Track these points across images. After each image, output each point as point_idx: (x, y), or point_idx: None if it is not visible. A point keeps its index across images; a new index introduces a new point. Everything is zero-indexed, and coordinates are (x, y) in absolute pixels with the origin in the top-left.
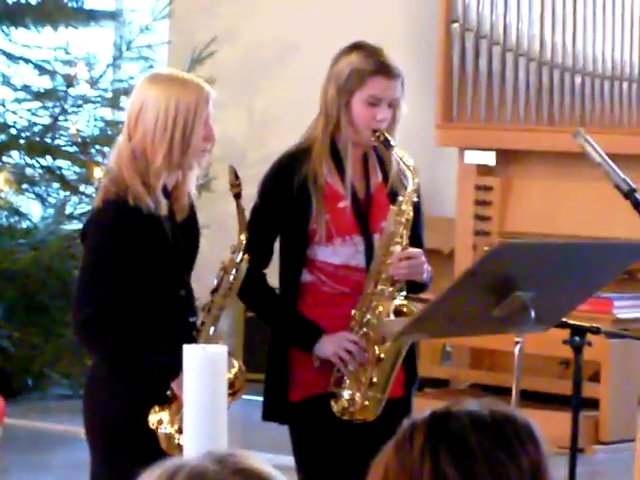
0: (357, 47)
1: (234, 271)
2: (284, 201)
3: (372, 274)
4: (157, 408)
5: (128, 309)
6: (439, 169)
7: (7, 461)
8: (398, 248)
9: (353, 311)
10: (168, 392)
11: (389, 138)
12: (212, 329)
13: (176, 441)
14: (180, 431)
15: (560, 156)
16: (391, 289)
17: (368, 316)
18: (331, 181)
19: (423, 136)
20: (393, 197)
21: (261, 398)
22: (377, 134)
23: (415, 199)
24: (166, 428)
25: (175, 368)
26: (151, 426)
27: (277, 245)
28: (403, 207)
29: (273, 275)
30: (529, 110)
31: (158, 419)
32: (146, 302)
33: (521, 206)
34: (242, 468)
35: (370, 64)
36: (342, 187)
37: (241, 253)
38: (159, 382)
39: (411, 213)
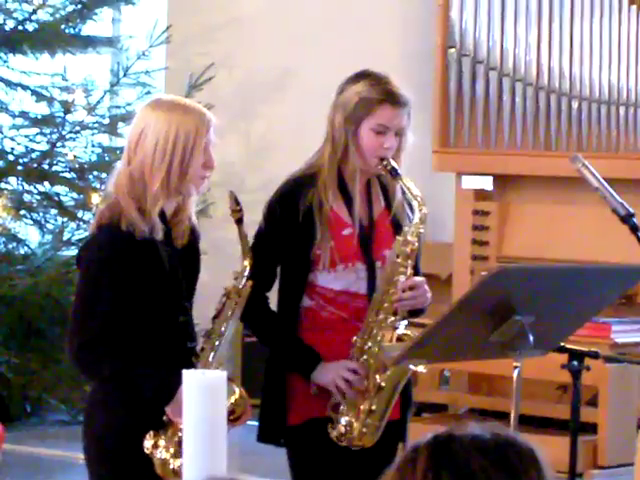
0: (364, 75)
1: (236, 297)
2: (289, 227)
3: (375, 303)
4: (152, 433)
5: (124, 334)
6: (436, 194)
7: None
8: (402, 278)
9: (354, 338)
10: (164, 417)
11: (396, 167)
12: (212, 355)
13: (171, 466)
14: (175, 456)
15: (557, 181)
16: (393, 318)
17: (369, 344)
18: (336, 208)
19: (420, 161)
20: (395, 225)
21: (257, 423)
22: (384, 163)
23: (422, 230)
24: (161, 453)
25: (168, 393)
26: (146, 451)
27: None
28: (409, 237)
29: (271, 299)
30: (526, 135)
31: (153, 444)
32: (144, 328)
33: (519, 231)
34: None
35: (378, 93)
36: (347, 214)
37: (244, 279)
38: (153, 407)
39: (416, 244)
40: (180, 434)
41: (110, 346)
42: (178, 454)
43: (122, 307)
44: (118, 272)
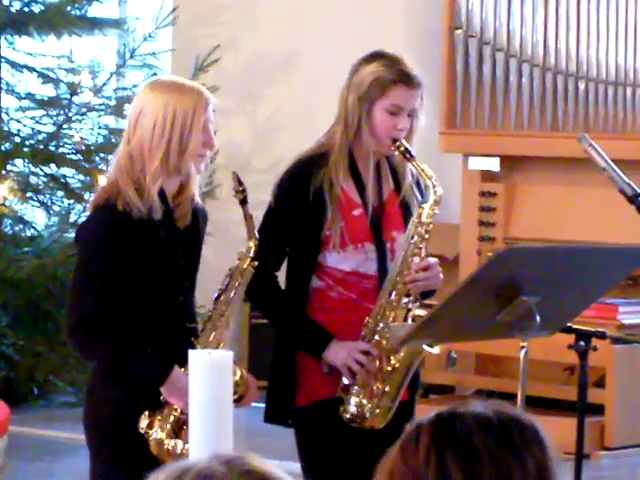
0: (378, 56)
1: (240, 278)
2: (299, 206)
3: (388, 284)
4: (147, 413)
5: (120, 314)
6: (443, 176)
7: (12, 469)
8: (417, 259)
9: (367, 319)
10: (162, 397)
11: (409, 148)
12: (212, 335)
13: (166, 446)
14: (170, 436)
15: (564, 162)
16: (406, 299)
17: (381, 325)
18: (346, 188)
19: (427, 143)
20: (404, 207)
21: (264, 404)
22: (397, 144)
23: (437, 211)
24: (157, 433)
25: (162, 374)
26: (141, 431)
27: None
28: (424, 219)
29: (280, 279)
30: (533, 116)
31: (148, 424)
32: (142, 307)
33: (525, 212)
34: (250, 470)
35: (393, 73)
36: (357, 194)
37: (248, 260)
38: (147, 387)
39: (431, 225)
40: (176, 414)
41: (104, 326)
42: (173, 434)
43: (117, 287)
44: (113, 252)
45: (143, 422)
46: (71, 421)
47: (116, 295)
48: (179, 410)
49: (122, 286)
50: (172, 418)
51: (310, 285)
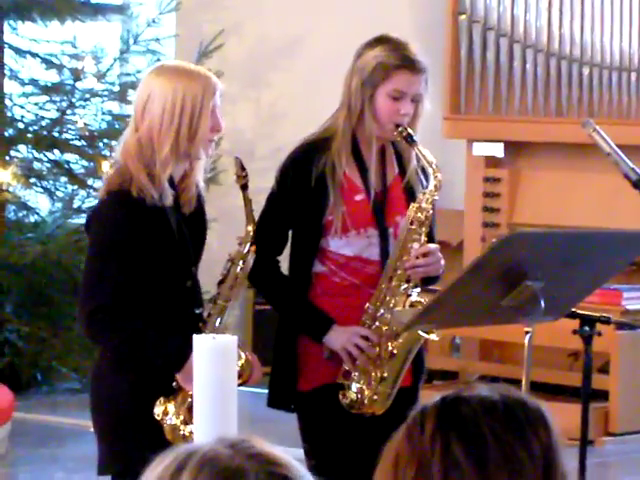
0: (382, 40)
1: (241, 262)
2: (302, 191)
3: (388, 269)
4: (162, 399)
5: (134, 300)
6: (447, 161)
7: (16, 455)
8: (416, 245)
9: (367, 305)
10: (174, 383)
11: (412, 133)
12: (218, 320)
13: (181, 432)
14: (185, 422)
15: (568, 147)
16: (406, 285)
17: (382, 311)
18: (349, 173)
19: (431, 128)
20: (409, 192)
21: (267, 390)
22: (400, 129)
23: (436, 197)
24: (171, 419)
25: (179, 360)
26: (156, 417)
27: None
28: (423, 205)
29: (283, 264)
30: (537, 102)
31: (163, 410)
32: (152, 293)
33: (530, 197)
34: (256, 453)
35: (396, 58)
36: (360, 179)
37: (248, 244)
38: (164, 374)
39: (431, 211)
40: (190, 400)
41: (120, 313)
42: (188, 420)
43: (132, 274)
44: (128, 239)
45: (158, 408)
46: (75, 407)
47: (131, 282)
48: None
49: (136, 271)
50: (186, 404)
51: (313, 270)
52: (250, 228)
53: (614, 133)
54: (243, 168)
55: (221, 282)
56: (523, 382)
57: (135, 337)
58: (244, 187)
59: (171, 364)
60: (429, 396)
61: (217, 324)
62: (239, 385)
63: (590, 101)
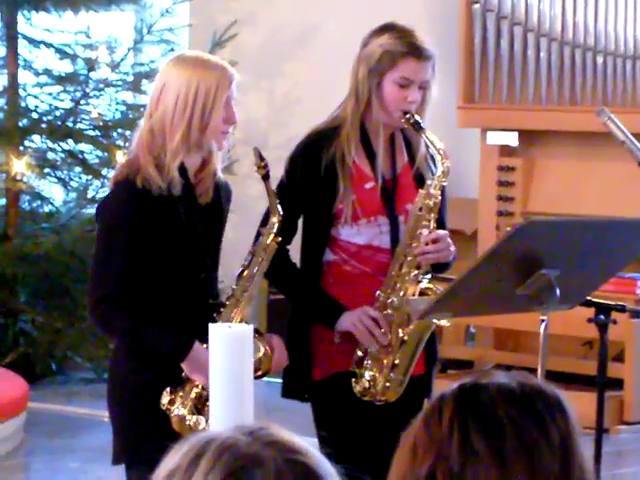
0: (388, 28)
1: (263, 253)
2: (311, 180)
3: (398, 256)
4: (169, 390)
5: (142, 291)
6: (461, 150)
7: (31, 444)
8: (425, 231)
9: (377, 292)
10: (183, 374)
11: (419, 120)
12: (234, 311)
13: (188, 423)
14: (192, 412)
15: (582, 136)
16: (416, 272)
17: (392, 298)
18: (358, 161)
19: (445, 117)
20: (419, 179)
21: (281, 380)
22: (407, 116)
23: (444, 183)
24: (178, 409)
25: (183, 349)
26: (162, 407)
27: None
28: (432, 191)
29: (294, 253)
30: (551, 90)
31: (170, 400)
32: (163, 284)
33: (544, 186)
34: (274, 440)
35: (402, 45)
36: (369, 168)
37: (272, 235)
38: (169, 363)
39: (439, 197)
40: (197, 390)
41: (126, 302)
42: (195, 410)
43: (138, 264)
44: (133, 229)
45: (165, 399)
46: (90, 397)
47: (138, 271)
48: (200, 386)
49: (143, 262)
50: (193, 394)
51: (324, 259)
52: (275, 219)
53: (628, 121)
54: (262, 158)
55: (241, 273)
56: (538, 371)
57: (137, 328)
58: (265, 177)
59: (173, 352)
60: (444, 385)
61: (233, 314)
62: (256, 378)
63: (604, 90)
